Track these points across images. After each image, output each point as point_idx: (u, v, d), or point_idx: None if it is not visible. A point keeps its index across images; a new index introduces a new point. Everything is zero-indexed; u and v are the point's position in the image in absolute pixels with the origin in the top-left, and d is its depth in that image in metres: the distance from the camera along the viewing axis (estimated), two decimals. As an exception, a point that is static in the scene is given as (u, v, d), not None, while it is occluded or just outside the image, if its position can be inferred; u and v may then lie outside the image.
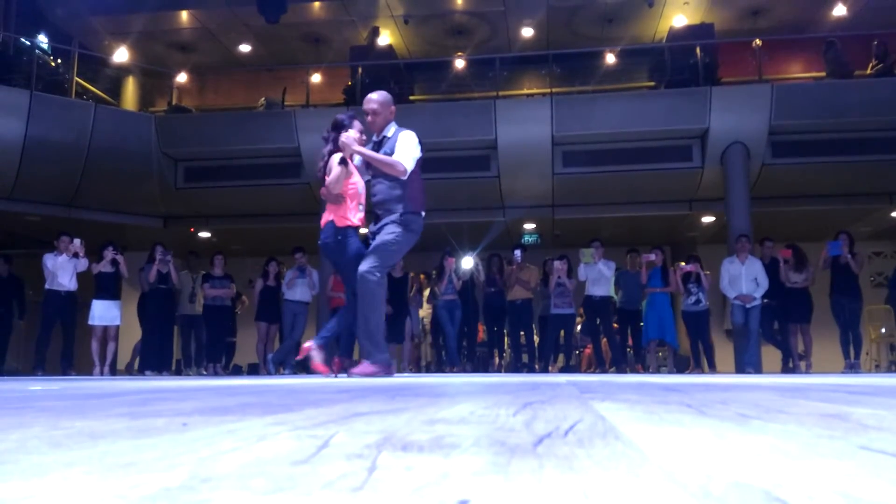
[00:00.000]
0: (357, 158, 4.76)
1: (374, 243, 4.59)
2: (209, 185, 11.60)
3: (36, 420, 1.03)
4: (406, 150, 4.61)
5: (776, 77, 11.57)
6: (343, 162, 4.61)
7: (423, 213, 4.72)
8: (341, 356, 4.84)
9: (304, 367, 11.33)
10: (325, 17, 12.94)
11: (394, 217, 4.58)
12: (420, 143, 4.72)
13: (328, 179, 4.65)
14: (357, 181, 4.76)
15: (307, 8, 12.58)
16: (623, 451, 0.62)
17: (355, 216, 4.69)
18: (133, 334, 10.47)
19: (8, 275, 9.99)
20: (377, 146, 4.78)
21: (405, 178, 4.57)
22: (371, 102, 4.82)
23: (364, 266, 4.47)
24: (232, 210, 12.32)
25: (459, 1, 12.48)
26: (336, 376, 4.67)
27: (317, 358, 4.58)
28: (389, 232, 4.57)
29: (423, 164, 4.77)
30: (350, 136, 4.65)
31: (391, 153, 4.62)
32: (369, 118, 4.82)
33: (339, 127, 4.82)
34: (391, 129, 4.78)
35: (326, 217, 4.71)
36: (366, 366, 4.36)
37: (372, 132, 4.88)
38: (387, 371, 4.43)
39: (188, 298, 10.13)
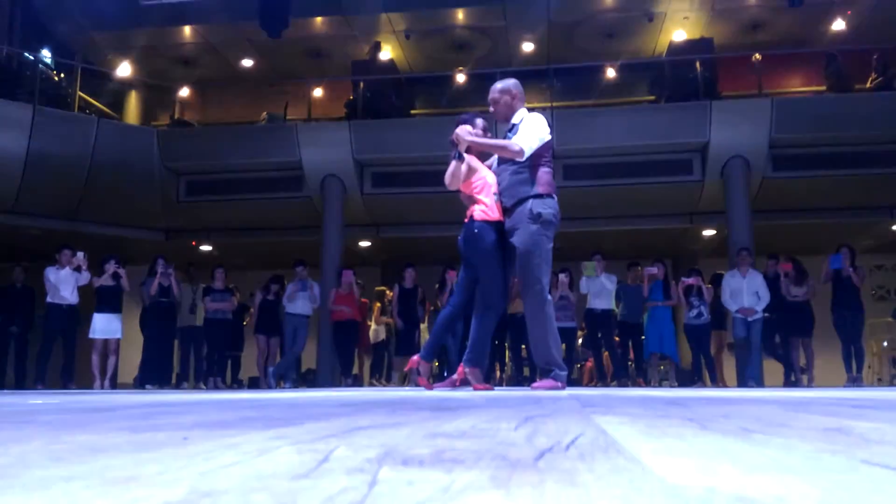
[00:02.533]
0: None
1: (517, 255, 4.35)
2: (211, 199, 11.63)
3: (37, 434, 1.03)
4: (526, 131, 4.31)
5: (776, 91, 11.61)
6: (459, 157, 4.40)
7: (555, 197, 4.41)
8: (466, 364, 4.62)
9: (306, 381, 11.32)
10: (327, 32, 13.02)
11: (524, 209, 4.30)
12: (549, 125, 4.44)
13: (446, 175, 4.45)
14: (485, 175, 4.48)
15: (309, 23, 12.66)
16: (625, 465, 0.62)
17: (492, 211, 4.43)
18: (136, 348, 10.43)
19: (21, 285, 9.96)
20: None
21: (522, 158, 4.27)
22: (492, 92, 4.57)
23: (525, 290, 4.37)
24: (233, 223, 12.34)
25: (460, 16, 12.56)
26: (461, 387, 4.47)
27: (475, 380, 4.45)
28: (524, 237, 4.30)
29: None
30: (464, 128, 4.44)
31: None
32: (491, 109, 4.58)
33: (461, 125, 4.63)
34: (518, 117, 4.46)
35: (467, 215, 4.52)
36: (547, 381, 4.28)
37: (500, 123, 4.62)
38: (563, 386, 4.31)
39: (188, 310, 10.11)
